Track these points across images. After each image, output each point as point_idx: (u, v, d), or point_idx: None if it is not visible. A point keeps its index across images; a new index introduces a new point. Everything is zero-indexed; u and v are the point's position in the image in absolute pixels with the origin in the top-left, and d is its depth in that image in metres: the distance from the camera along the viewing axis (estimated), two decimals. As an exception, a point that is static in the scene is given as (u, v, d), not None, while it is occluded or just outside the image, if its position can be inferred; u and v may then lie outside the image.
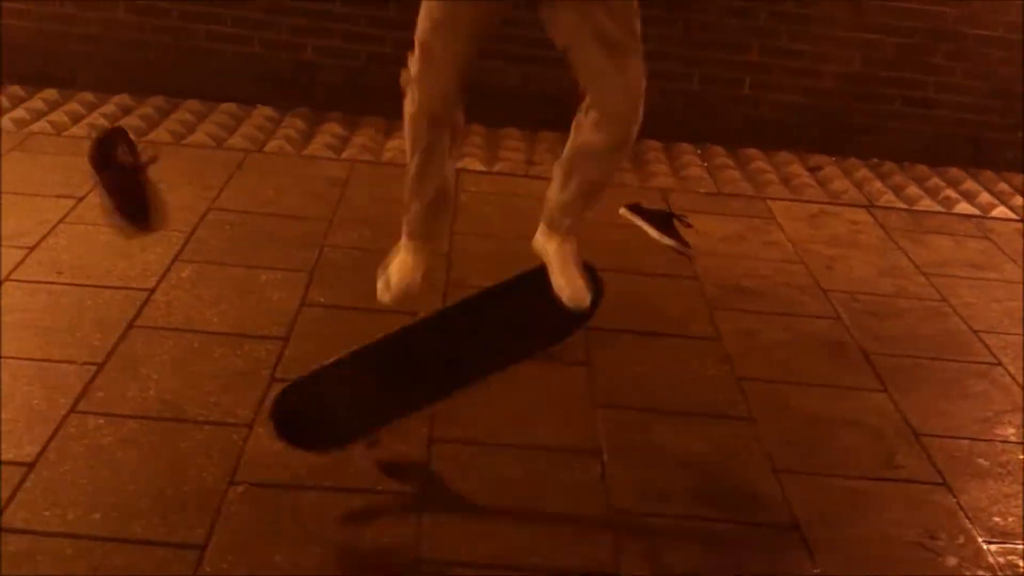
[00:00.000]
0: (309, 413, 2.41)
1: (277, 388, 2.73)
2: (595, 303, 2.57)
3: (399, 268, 2.60)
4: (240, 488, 2.39)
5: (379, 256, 3.35)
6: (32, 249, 3.38)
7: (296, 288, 3.31)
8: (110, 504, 2.29)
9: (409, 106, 2.42)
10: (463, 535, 2.33)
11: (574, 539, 2.37)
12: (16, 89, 4.83)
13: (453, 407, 2.73)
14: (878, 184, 4.87)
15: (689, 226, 2.96)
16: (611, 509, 2.47)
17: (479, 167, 4.58)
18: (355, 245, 3.68)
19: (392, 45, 4.86)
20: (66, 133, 4.47)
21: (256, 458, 2.49)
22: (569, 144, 2.46)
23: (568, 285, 2.49)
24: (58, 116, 4.59)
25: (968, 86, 5.14)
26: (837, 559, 2.38)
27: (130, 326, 2.99)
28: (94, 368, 2.76)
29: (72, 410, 2.59)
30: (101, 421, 2.56)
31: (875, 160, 5.19)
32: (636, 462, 2.67)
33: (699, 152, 5.06)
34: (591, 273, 2.58)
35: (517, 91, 5.08)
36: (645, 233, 2.97)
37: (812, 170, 4.99)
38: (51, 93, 4.85)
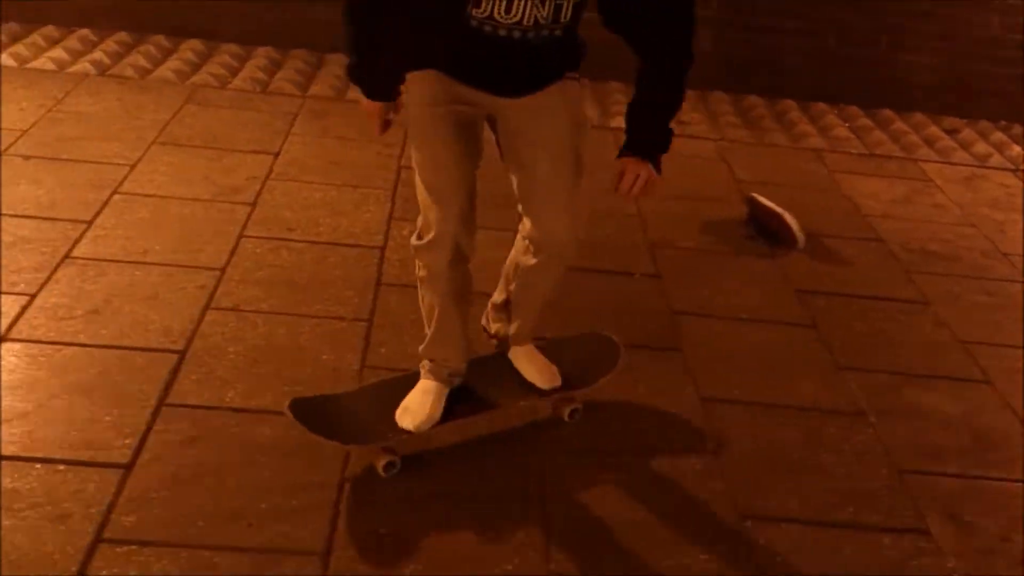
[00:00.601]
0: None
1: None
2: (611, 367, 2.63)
3: (418, 404, 2.46)
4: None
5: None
6: (255, 205, 3.44)
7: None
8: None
9: (421, 271, 2.38)
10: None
11: (867, 498, 2.46)
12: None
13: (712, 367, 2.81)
14: (1017, 147, 4.93)
15: None
16: (894, 469, 2.56)
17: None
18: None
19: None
20: (271, 90, 4.47)
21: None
22: (510, 260, 2.50)
23: (538, 373, 2.57)
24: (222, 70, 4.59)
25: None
26: None
27: (377, 283, 3.05)
28: (364, 324, 2.83)
29: (363, 366, 2.68)
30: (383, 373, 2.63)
31: (1004, 123, 5.24)
32: (903, 424, 2.75)
33: (836, 111, 5.10)
34: (610, 345, 2.68)
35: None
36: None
37: (949, 132, 5.03)
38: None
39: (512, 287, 2.52)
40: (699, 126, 4.69)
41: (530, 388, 2.56)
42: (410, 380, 2.47)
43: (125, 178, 3.53)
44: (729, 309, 3.20)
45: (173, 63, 4.61)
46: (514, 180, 2.30)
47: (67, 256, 3.02)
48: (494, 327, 2.64)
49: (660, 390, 2.74)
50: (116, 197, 3.39)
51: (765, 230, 3.72)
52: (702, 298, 3.24)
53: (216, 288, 2.94)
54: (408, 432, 2.37)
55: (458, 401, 2.48)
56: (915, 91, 5.22)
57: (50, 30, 4.80)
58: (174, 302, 2.85)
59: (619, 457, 2.49)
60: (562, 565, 2.13)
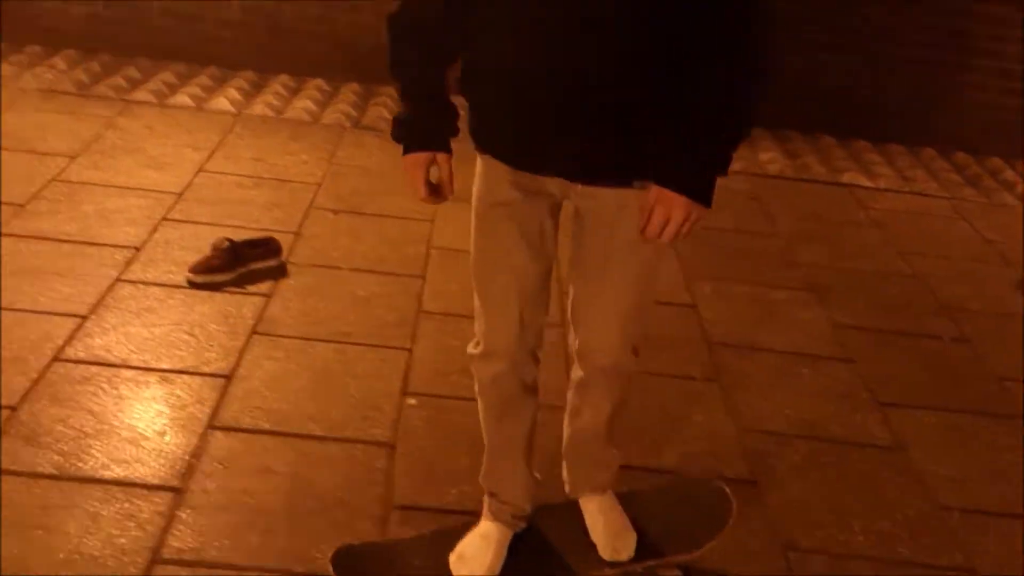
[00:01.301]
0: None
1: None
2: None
3: (476, 550, 2.22)
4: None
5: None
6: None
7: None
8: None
9: (476, 384, 2.17)
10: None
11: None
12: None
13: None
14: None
15: None
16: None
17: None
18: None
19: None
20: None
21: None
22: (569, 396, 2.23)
23: (604, 541, 2.23)
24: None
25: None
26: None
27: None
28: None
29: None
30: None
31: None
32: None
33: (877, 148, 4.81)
34: (722, 495, 2.33)
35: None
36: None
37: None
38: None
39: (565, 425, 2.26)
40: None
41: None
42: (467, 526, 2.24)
43: (431, 232, 3.83)
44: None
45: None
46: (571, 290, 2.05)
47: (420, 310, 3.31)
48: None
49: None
50: (433, 252, 3.70)
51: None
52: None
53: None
54: None
55: (522, 551, 2.20)
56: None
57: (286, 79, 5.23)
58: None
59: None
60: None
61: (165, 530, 2.26)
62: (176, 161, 4.14)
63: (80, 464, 2.44)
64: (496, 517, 2.19)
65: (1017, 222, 4.66)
